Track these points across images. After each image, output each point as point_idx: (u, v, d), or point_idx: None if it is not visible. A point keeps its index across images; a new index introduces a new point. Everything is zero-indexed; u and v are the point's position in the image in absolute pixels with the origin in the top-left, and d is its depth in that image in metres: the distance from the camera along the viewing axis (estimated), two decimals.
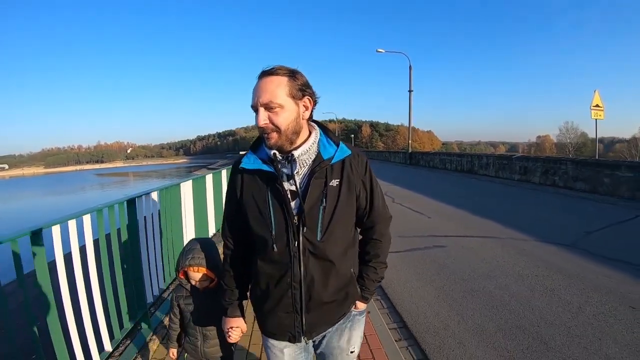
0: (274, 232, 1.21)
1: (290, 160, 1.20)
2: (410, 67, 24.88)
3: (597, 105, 11.39)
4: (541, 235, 5.72)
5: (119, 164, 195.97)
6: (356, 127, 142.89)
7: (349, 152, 1.27)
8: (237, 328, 1.45)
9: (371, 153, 43.42)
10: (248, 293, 1.44)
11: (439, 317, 3.31)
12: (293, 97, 1.17)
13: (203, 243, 1.77)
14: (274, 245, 1.21)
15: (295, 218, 1.20)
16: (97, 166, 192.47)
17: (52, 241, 1.97)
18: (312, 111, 1.26)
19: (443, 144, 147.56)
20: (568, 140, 64.44)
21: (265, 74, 1.17)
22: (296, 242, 1.20)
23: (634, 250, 4.83)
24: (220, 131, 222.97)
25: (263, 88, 1.15)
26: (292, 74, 1.18)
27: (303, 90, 1.19)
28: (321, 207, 1.21)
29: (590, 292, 3.64)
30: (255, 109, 1.17)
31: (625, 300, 3.44)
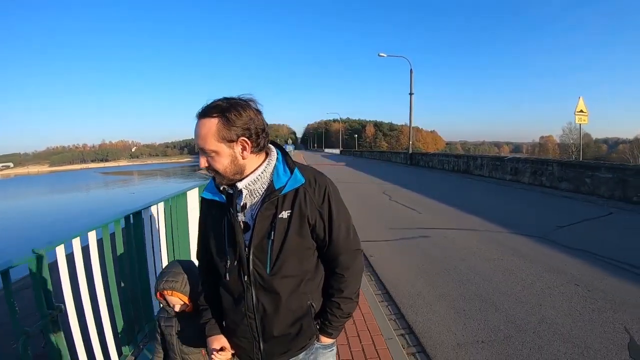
0: (227, 264, 1.23)
1: (236, 191, 1.21)
2: (411, 70, 25.63)
3: (581, 111, 12.15)
4: (516, 228, 6.44)
5: (123, 163, 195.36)
6: (360, 126, 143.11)
7: (302, 180, 1.22)
8: (221, 347, 1.36)
9: (374, 153, 44.34)
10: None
11: (414, 287, 4.11)
12: (225, 140, 1.13)
13: (180, 266, 1.74)
14: (227, 275, 1.23)
15: (246, 250, 1.20)
16: (101, 165, 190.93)
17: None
18: (257, 145, 1.18)
19: (447, 144, 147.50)
20: (571, 141, 64.84)
21: (200, 115, 1.15)
22: (246, 275, 1.21)
23: (595, 241, 5.53)
24: None
25: (197, 132, 1.14)
26: (225, 116, 1.12)
27: (238, 132, 1.14)
28: (269, 240, 1.18)
29: (544, 272, 4.38)
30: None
31: (573, 279, 4.16)
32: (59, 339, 1.96)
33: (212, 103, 1.15)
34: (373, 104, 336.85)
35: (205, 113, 1.13)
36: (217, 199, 1.25)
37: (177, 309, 1.71)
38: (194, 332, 1.67)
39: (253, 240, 1.19)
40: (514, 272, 4.42)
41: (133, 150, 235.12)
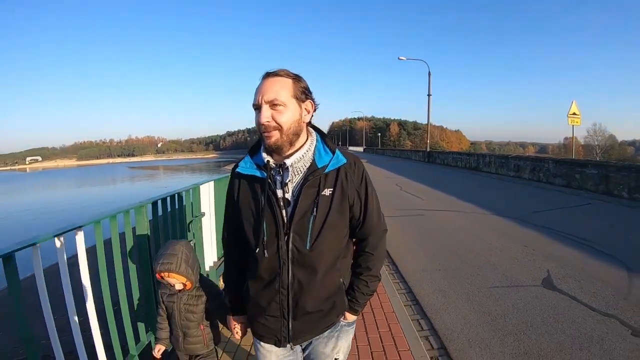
0: (265, 238, 1.24)
1: (283, 168, 1.23)
2: (429, 73, 26.83)
3: (574, 114, 13.33)
4: (500, 212, 7.84)
5: (149, 158, 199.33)
6: (385, 125, 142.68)
7: (345, 160, 1.28)
8: (241, 325, 1.50)
9: (395, 151, 45.76)
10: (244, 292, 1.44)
11: (404, 244, 5.71)
12: (297, 98, 1.21)
13: (174, 247, 1.77)
14: (265, 251, 1.24)
15: (286, 226, 1.23)
16: (127, 159, 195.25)
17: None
18: (312, 116, 1.29)
19: (472, 143, 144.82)
20: (596, 143, 63.91)
21: (270, 74, 1.21)
22: (285, 250, 1.23)
23: (561, 222, 6.85)
24: (250, 127, 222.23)
25: (268, 87, 1.19)
26: (296, 77, 1.23)
27: (306, 93, 1.24)
28: (312, 217, 1.22)
29: (504, 239, 5.82)
30: (257, 107, 1.20)
31: (524, 242, 5.58)
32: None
33: (278, 68, 1.23)
34: (397, 104, 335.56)
35: (278, 73, 1.21)
36: (256, 174, 1.26)
37: (177, 287, 1.79)
38: (191, 307, 1.85)
39: (295, 216, 1.22)
40: (480, 237, 5.94)
41: (159, 145, 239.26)
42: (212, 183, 3.72)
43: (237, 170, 1.32)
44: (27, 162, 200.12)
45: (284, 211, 1.23)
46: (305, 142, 1.28)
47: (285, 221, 1.23)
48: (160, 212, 2.60)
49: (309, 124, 1.31)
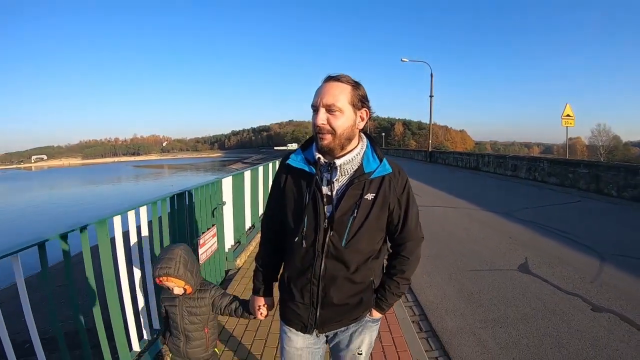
0: (304, 230, 1.31)
1: (332, 167, 1.30)
2: (431, 75, 27.27)
3: (567, 115, 13.83)
4: (491, 208, 8.37)
5: (154, 157, 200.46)
6: (389, 125, 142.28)
7: (390, 169, 1.34)
8: (265, 306, 1.59)
9: (398, 151, 46.27)
10: (279, 277, 1.55)
11: None
12: (353, 105, 1.27)
13: (173, 251, 1.76)
14: (303, 242, 1.31)
15: (326, 222, 1.29)
16: (132, 158, 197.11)
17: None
18: (366, 123, 1.35)
19: (476, 143, 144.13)
20: (600, 143, 63.91)
21: (332, 79, 1.28)
22: (322, 243, 1.30)
23: (550, 217, 7.35)
24: (255, 126, 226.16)
25: (328, 91, 1.25)
26: (356, 85, 1.29)
27: (363, 101, 1.30)
28: (351, 217, 1.28)
29: (495, 233, 6.33)
30: (315, 108, 1.27)
31: (508, 234, 6.12)
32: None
33: (340, 73, 1.30)
34: (402, 103, 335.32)
35: (339, 78, 1.27)
36: (305, 168, 1.32)
37: (175, 292, 1.76)
38: (193, 310, 1.81)
39: (336, 213, 1.28)
40: (468, 229, 6.51)
41: (164, 144, 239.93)
42: (230, 177, 4.35)
43: (288, 162, 1.38)
44: (32, 161, 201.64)
45: (326, 207, 1.30)
46: (356, 147, 1.35)
47: (326, 217, 1.30)
48: (194, 199, 3.18)
49: (362, 130, 1.38)
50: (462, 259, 5.06)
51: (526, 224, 6.84)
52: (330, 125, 1.25)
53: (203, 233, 3.31)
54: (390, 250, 1.49)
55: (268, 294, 1.58)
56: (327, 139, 1.26)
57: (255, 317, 1.64)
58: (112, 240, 2.19)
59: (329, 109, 1.25)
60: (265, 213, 1.57)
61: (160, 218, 2.64)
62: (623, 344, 2.89)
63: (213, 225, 3.56)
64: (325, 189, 1.32)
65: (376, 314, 1.49)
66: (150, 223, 2.50)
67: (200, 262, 3.19)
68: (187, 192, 3.02)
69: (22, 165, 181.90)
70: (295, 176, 1.37)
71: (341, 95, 1.25)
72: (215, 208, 3.64)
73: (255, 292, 1.59)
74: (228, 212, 4.09)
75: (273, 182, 1.50)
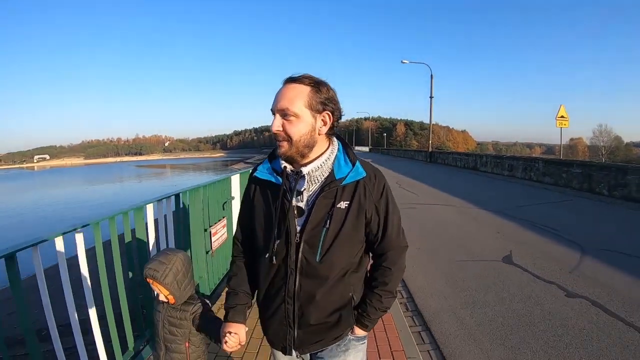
0: (275, 246, 1.21)
1: (299, 175, 1.20)
2: (431, 76, 27.68)
3: (562, 116, 14.21)
4: (484, 206, 8.76)
5: (156, 157, 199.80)
6: (391, 125, 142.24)
7: (364, 173, 1.23)
8: (236, 335, 1.34)
9: (399, 151, 46.62)
10: (255, 299, 1.41)
11: None
12: (311, 109, 1.16)
13: (168, 256, 1.66)
14: (274, 258, 1.22)
15: (297, 236, 1.20)
16: (135, 158, 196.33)
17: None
18: (332, 126, 1.23)
19: (478, 144, 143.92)
20: (601, 144, 64.03)
21: (290, 80, 1.17)
22: (294, 259, 1.21)
23: (540, 215, 7.70)
24: (257, 126, 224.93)
25: (283, 94, 1.16)
26: (317, 86, 1.17)
27: (325, 104, 1.18)
28: (324, 229, 1.19)
29: (485, 228, 6.73)
30: (273, 113, 1.18)
31: (498, 230, 6.52)
32: None
33: (302, 74, 1.18)
34: (404, 104, 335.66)
35: (297, 79, 1.17)
36: (272, 179, 1.24)
37: (160, 298, 1.67)
38: (174, 321, 1.68)
39: (307, 226, 1.19)
40: (459, 225, 6.91)
41: (166, 144, 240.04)
42: (238, 175, 4.78)
43: (255, 174, 1.31)
44: (35, 161, 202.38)
45: (296, 220, 1.22)
46: (324, 151, 1.25)
47: (297, 230, 1.21)
48: (207, 193, 3.58)
49: (332, 132, 1.26)
50: (451, 251, 5.46)
51: (516, 221, 7.21)
52: (286, 132, 1.17)
53: (215, 223, 3.71)
54: (372, 261, 1.40)
55: (239, 319, 1.38)
56: (284, 146, 1.18)
57: (221, 347, 1.40)
58: (146, 226, 2.60)
59: (284, 114, 1.16)
60: (237, 231, 1.46)
61: (181, 208, 3.06)
62: (591, 325, 3.22)
63: (223, 217, 3.97)
64: (295, 200, 1.22)
65: (359, 332, 1.36)
66: (173, 213, 2.93)
67: (212, 249, 3.60)
68: (202, 187, 3.43)
69: (24, 165, 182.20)
70: (263, 189, 1.30)
71: (297, 98, 1.15)
72: (225, 202, 4.06)
73: (225, 317, 1.40)
74: (236, 206, 4.49)
75: (242, 198, 1.43)
